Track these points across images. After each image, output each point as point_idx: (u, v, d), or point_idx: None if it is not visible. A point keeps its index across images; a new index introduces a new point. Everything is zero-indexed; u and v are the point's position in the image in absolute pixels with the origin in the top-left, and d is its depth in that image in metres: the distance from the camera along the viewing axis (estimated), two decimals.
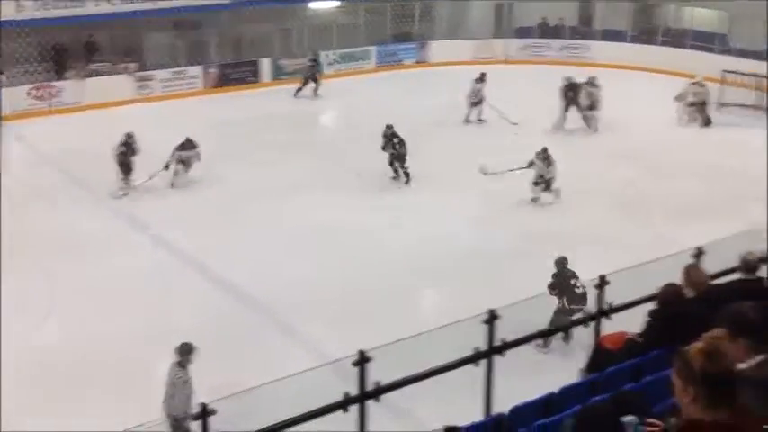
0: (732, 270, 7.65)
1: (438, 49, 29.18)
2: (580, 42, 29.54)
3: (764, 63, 24.24)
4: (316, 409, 6.35)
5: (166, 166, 16.82)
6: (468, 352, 7.17)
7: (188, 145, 17.10)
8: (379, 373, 6.70)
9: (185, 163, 17.07)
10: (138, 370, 10.45)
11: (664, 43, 28.36)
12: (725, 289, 7.09)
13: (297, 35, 28.32)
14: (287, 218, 15.43)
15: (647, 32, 29.45)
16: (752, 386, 3.38)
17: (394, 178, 17.23)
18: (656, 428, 3.14)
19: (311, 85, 24.95)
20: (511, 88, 23.72)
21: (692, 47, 27.43)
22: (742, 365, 3.54)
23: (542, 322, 9.73)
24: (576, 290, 10.75)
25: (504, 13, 31.11)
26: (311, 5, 27.88)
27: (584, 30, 30.51)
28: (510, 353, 7.13)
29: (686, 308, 6.74)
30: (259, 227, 15.13)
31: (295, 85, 25.31)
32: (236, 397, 7.21)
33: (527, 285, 10.73)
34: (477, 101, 21.69)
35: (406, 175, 17.15)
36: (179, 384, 8.58)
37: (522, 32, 30.61)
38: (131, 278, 13.05)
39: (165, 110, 23.34)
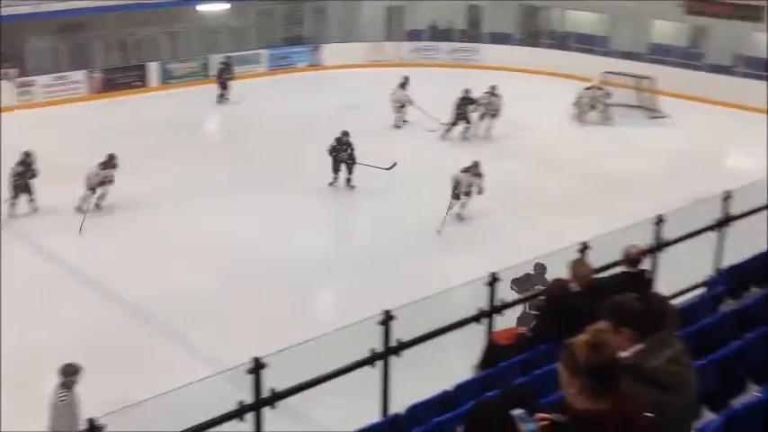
0: (616, 264, 7.96)
1: (331, 51, 29.20)
2: (469, 45, 30.11)
3: (644, 64, 25.40)
4: (210, 420, 6.23)
5: (93, 189, 15.49)
6: (365, 354, 7.21)
7: (110, 163, 15.75)
8: (274, 380, 6.64)
9: (109, 182, 15.73)
10: (25, 387, 10.02)
11: (549, 46, 29.24)
12: (609, 282, 7.37)
13: (185, 38, 27.79)
14: (174, 225, 15.10)
15: (533, 35, 30.31)
16: (632, 375, 3.52)
17: (331, 184, 16.98)
18: (545, 421, 3.20)
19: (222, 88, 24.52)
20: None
21: (576, 49, 28.38)
22: (624, 354, 3.68)
23: (438, 321, 9.80)
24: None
25: (396, 16, 31.41)
26: (199, 8, 27.42)
27: (472, 33, 31.12)
28: (407, 352, 7.18)
29: (572, 302, 6.95)
30: (145, 235, 14.75)
31: (184, 89, 24.84)
32: (127, 411, 7.01)
33: (420, 285, 10.83)
34: (401, 104, 21.85)
35: (349, 181, 17.03)
36: (61, 407, 8.35)
37: (414, 35, 31.00)
38: (16, 293, 12.50)
39: (48, 117, 22.48)
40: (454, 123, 20.48)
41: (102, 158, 15.71)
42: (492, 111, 20.55)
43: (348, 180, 17.02)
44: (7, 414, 9.32)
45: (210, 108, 24.43)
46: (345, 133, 17.06)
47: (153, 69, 26.21)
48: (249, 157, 19.28)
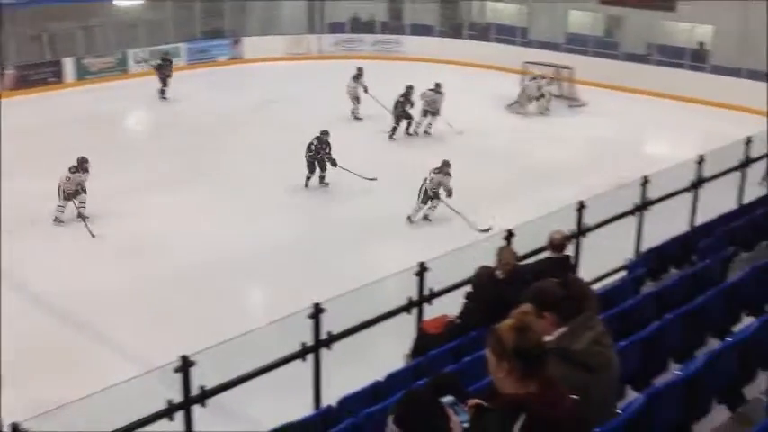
0: (541, 250, 8.14)
1: (251, 45, 28.90)
2: (391, 37, 30.20)
3: (562, 54, 25.90)
4: (139, 420, 6.14)
5: (68, 197, 14.75)
6: (296, 348, 7.20)
7: (81, 167, 15.00)
8: (205, 378, 6.58)
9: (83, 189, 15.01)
10: None
11: (470, 37, 29.54)
12: (534, 268, 7.53)
13: (101, 33, 27.09)
14: (96, 224, 14.74)
15: (454, 27, 30.58)
16: (558, 358, 3.61)
17: (308, 178, 16.61)
18: (473, 407, 3.25)
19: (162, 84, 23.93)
20: (327, 84, 23.96)
21: (496, 40, 28.76)
22: (548, 338, 3.76)
23: (369, 311, 9.84)
24: None
25: (317, 9, 31.28)
26: (115, 2, 26.78)
27: (394, 25, 31.21)
28: (341, 344, 7.20)
29: (499, 288, 7.08)
30: (66, 237, 14.38)
31: (101, 85, 24.26)
32: (54, 414, 6.83)
33: (349, 276, 10.84)
34: (356, 96, 21.82)
35: (323, 179, 16.68)
36: None
37: (335, 28, 30.92)
38: None
39: None
40: (397, 123, 20.41)
41: (73, 163, 15.10)
42: (434, 109, 20.54)
43: (322, 178, 16.69)
44: None
45: (129, 104, 23.91)
46: (325, 132, 16.63)
47: (68, 65, 25.49)
48: (171, 153, 18.94)
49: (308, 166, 16.55)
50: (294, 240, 14.19)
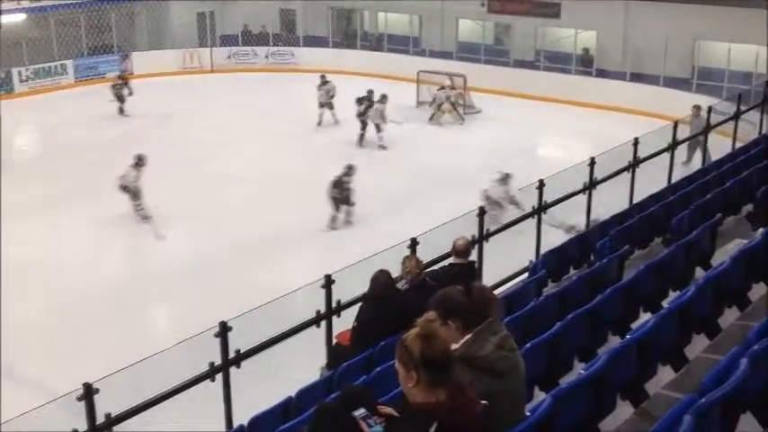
0: (446, 256, 8.25)
1: (142, 60, 28.24)
2: (285, 49, 30.07)
3: (454, 62, 26.37)
4: None
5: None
6: (205, 367, 7.08)
7: (140, 162, 15.38)
8: (110, 405, 6.39)
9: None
10: None
11: (363, 47, 29.72)
12: (439, 275, 7.62)
13: None
14: None
15: (348, 38, 30.71)
16: (465, 364, 3.64)
17: (334, 219, 15.50)
18: (383, 418, 3.25)
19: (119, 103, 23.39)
20: (221, 97, 23.71)
21: (389, 50, 29.05)
22: (454, 346, 3.79)
23: (279, 327, 9.75)
24: None
25: (207, 22, 30.86)
26: None
27: (287, 36, 31.10)
28: (252, 361, 7.12)
29: (396, 291, 7.13)
30: None
31: None
32: None
33: (256, 292, 10.70)
34: (326, 102, 22.05)
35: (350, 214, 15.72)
36: None
37: (227, 41, 30.57)
38: None
39: None
40: (364, 129, 20.60)
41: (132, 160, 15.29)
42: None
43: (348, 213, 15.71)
44: None
45: (14, 123, 22.98)
46: (351, 167, 15.68)
47: None
48: (56, 174, 18.25)
49: (335, 203, 15.46)
50: (195, 259, 13.93)
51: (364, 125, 20.57)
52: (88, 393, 6.24)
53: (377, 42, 29.93)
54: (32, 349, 11.09)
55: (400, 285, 7.35)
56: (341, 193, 15.23)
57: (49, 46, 27.24)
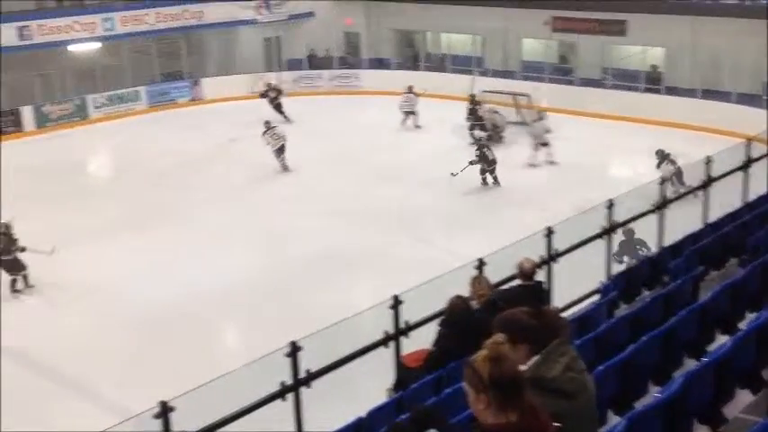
0: (512, 278, 8.19)
1: (211, 85, 28.90)
2: (349, 72, 30.40)
3: (517, 82, 26.27)
4: None
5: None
6: (275, 387, 7.16)
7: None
8: (184, 423, 6.50)
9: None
10: None
11: (427, 68, 29.82)
12: (507, 296, 7.57)
13: (59, 80, 26.95)
14: (59, 273, 14.56)
15: (410, 59, 30.90)
16: (534, 387, 3.62)
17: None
18: None
19: None
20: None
21: (453, 70, 29.07)
22: (522, 367, 3.77)
23: (347, 347, 9.83)
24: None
25: (274, 47, 31.43)
26: (70, 48, 26.64)
27: (351, 59, 31.45)
28: (320, 381, 7.17)
29: (473, 317, 7.12)
30: (33, 283, 14.20)
31: (61, 131, 24.09)
32: None
33: (324, 309, 10.80)
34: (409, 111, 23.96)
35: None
36: None
37: (293, 65, 31.07)
38: None
39: None
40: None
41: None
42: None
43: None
44: None
45: (90, 149, 23.80)
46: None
47: (27, 113, 25.32)
48: (135, 196, 18.85)
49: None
50: (263, 279, 14.15)
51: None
52: (164, 412, 6.36)
53: (440, 63, 30.01)
54: (106, 369, 11.38)
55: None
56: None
57: (122, 73, 28.10)
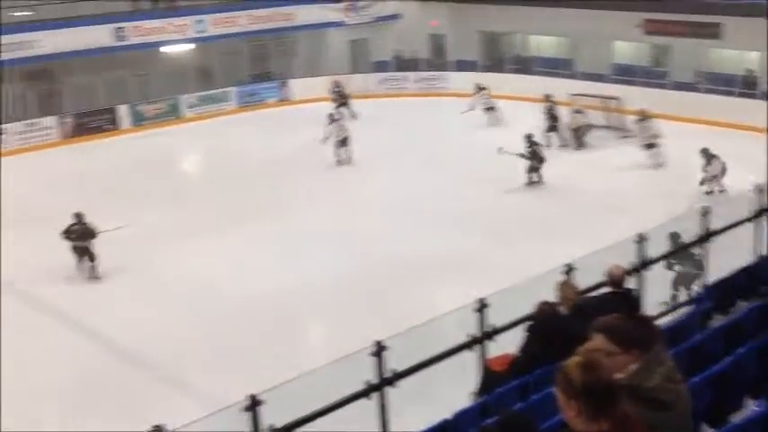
0: (600, 285, 8.06)
1: (299, 86, 29.34)
2: (436, 74, 30.37)
3: (608, 85, 25.79)
4: None
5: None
6: (359, 386, 7.22)
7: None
8: (270, 417, 6.63)
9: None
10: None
11: (514, 70, 29.56)
12: (596, 303, 7.46)
13: (154, 80, 27.80)
14: (156, 267, 15.03)
15: (497, 61, 30.67)
16: (631, 395, 3.57)
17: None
18: None
19: None
20: (373, 121, 24.23)
21: (540, 73, 28.73)
22: (619, 375, 3.72)
23: (429, 348, 9.86)
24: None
25: (360, 49, 31.68)
26: (163, 50, 27.45)
27: (438, 61, 31.42)
28: (403, 381, 7.21)
29: (560, 323, 7.04)
30: (127, 278, 14.69)
31: (155, 130, 24.92)
32: None
33: (408, 311, 10.85)
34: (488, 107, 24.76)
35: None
36: None
37: (379, 66, 31.25)
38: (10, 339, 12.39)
39: (21, 164, 22.38)
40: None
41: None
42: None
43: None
44: None
45: (182, 148, 24.47)
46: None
47: (123, 112, 26.21)
48: (225, 194, 19.29)
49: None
50: (349, 278, 14.28)
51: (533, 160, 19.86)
52: (253, 405, 6.50)
53: (527, 65, 29.70)
54: (197, 360, 11.69)
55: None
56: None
57: (213, 74, 28.80)
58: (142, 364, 11.82)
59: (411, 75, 30.46)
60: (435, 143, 22.82)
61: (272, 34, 29.78)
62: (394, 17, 31.14)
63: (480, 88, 25.35)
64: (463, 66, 30.22)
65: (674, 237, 11.00)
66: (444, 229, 16.21)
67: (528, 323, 7.47)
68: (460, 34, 31.14)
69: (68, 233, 14.66)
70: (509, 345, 7.72)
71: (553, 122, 22.55)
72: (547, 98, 23.07)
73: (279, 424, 6.74)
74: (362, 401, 7.26)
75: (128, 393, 10.90)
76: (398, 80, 30.47)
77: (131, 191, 19.51)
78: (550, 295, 7.49)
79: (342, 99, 26.35)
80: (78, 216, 14.79)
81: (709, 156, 17.68)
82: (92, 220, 14.85)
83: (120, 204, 17.85)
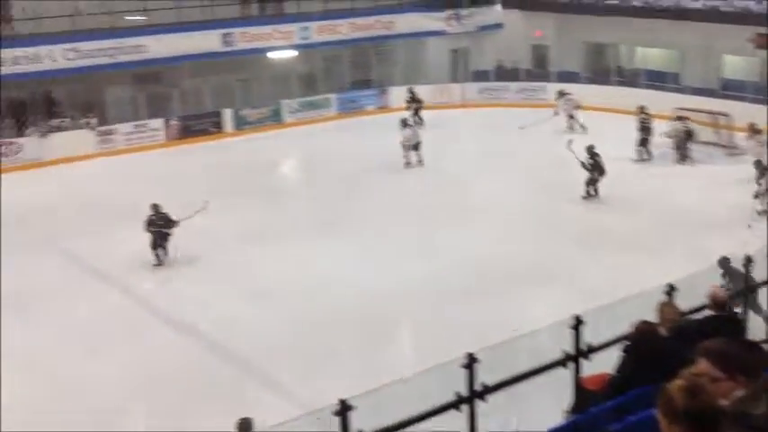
0: (702, 307, 7.79)
1: (398, 94, 29.42)
2: (536, 84, 30.01)
3: (716, 100, 24.95)
4: None
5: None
6: (449, 397, 7.18)
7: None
8: (359, 422, 6.66)
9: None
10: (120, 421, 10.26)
11: (618, 83, 28.96)
12: (698, 326, 7.21)
13: (257, 85, 28.46)
14: (254, 266, 15.36)
15: (600, 73, 30.10)
16: (737, 423, 3.43)
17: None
18: None
19: None
20: (471, 130, 24.13)
21: (646, 86, 28.04)
22: (724, 402, 3.59)
23: (522, 364, 9.73)
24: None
25: (461, 58, 31.64)
26: (269, 55, 28.07)
27: (539, 72, 31.08)
28: (493, 396, 7.12)
29: (661, 345, 6.82)
30: (226, 276, 15.04)
31: (257, 134, 25.56)
32: None
33: (499, 324, 10.74)
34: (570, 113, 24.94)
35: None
36: None
37: (479, 76, 31.13)
38: (104, 333, 12.88)
39: (129, 163, 23.28)
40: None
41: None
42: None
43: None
44: None
45: (283, 152, 24.97)
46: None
47: (227, 116, 26.92)
48: (324, 199, 19.57)
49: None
50: (440, 287, 14.25)
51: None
52: (344, 410, 6.53)
53: (632, 77, 29.05)
54: (289, 362, 11.86)
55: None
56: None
57: (315, 80, 29.29)
58: (236, 361, 12.07)
59: (512, 85, 30.22)
60: (532, 154, 22.53)
61: (373, 42, 30.08)
62: (496, 26, 31.00)
63: (562, 94, 25.54)
64: (564, 77, 29.77)
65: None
66: (538, 242, 16.05)
67: (625, 343, 7.27)
68: (564, 45, 30.74)
69: (149, 224, 15.38)
70: (606, 364, 7.53)
71: (645, 135, 21.93)
72: (641, 110, 22.45)
73: (367, 429, 6.77)
74: (447, 415, 7.23)
75: (221, 389, 11.14)
76: (498, 90, 30.28)
77: (230, 191, 20.01)
78: (648, 314, 7.27)
79: (416, 105, 26.43)
80: (155, 207, 15.55)
81: (762, 168, 16.81)
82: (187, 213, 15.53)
83: (221, 204, 18.32)
